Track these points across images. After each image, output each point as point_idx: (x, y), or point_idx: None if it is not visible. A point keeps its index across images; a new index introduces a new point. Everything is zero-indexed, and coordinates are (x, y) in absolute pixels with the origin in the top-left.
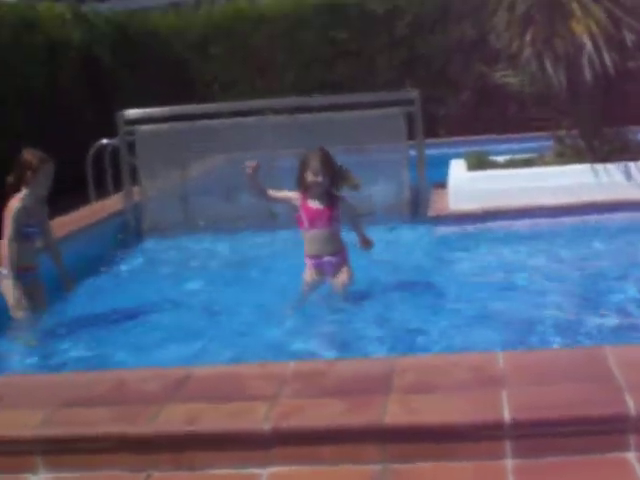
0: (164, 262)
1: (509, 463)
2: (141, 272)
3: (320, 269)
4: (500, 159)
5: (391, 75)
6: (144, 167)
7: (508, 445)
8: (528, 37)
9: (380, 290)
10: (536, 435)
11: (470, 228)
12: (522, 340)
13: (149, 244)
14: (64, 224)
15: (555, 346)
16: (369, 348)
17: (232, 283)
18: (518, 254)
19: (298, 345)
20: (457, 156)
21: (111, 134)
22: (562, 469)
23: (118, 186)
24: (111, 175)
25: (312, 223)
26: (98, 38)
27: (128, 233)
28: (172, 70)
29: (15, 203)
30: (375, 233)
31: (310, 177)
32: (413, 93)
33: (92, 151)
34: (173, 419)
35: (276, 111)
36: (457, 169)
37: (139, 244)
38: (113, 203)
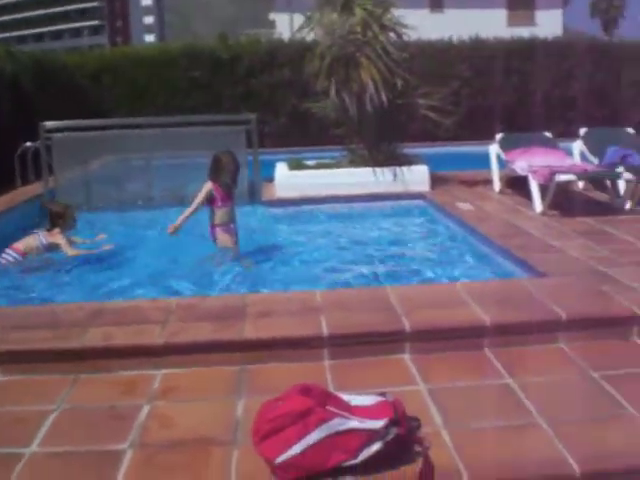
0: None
1: (327, 363)
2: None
3: (230, 234)
4: (310, 163)
5: (232, 104)
6: (57, 163)
7: (326, 351)
8: (332, 79)
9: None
10: (344, 344)
11: (290, 209)
12: (330, 282)
13: None
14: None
15: (353, 287)
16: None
17: (124, 242)
18: (323, 226)
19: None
20: (278, 161)
21: (32, 139)
22: (362, 366)
23: (38, 177)
24: (32, 169)
25: (224, 201)
26: (23, 70)
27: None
28: (74, 94)
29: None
30: None
31: (225, 172)
32: (251, 116)
33: (19, 151)
34: (93, 337)
35: (151, 126)
36: (281, 169)
37: None
38: (34, 189)
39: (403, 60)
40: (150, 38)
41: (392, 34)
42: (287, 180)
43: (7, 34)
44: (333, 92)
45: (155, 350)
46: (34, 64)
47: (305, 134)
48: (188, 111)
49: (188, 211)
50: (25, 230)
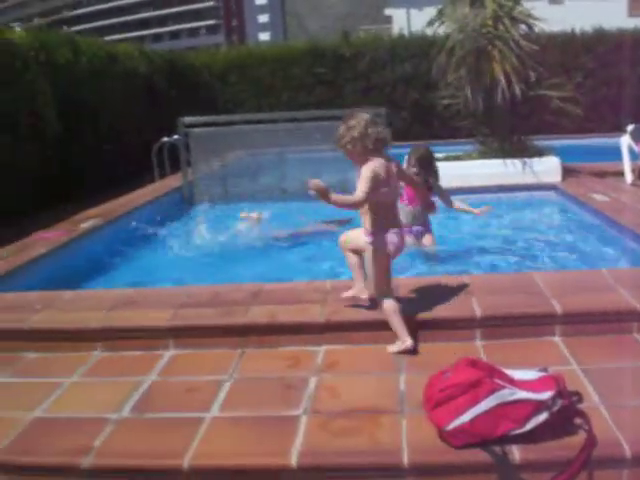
0: (211, 221)
1: (479, 343)
2: (196, 227)
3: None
4: (439, 155)
5: (354, 98)
6: (195, 156)
7: (478, 332)
8: (462, 72)
9: None
10: (496, 325)
11: None
12: (473, 268)
13: (199, 209)
14: (141, 195)
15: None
16: None
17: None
18: (454, 216)
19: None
20: (401, 155)
21: (165, 134)
22: (514, 347)
23: (173, 170)
24: (168, 163)
25: (409, 201)
26: (155, 69)
27: (184, 201)
28: (202, 91)
29: None
30: None
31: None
32: (382, 110)
33: (156, 146)
34: (257, 314)
35: (277, 120)
36: None
37: (192, 209)
38: (172, 182)
39: (534, 52)
40: (265, 36)
41: (523, 26)
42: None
43: (127, 34)
44: (461, 84)
45: (317, 327)
46: (166, 63)
47: (427, 128)
48: (312, 106)
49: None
50: (168, 217)
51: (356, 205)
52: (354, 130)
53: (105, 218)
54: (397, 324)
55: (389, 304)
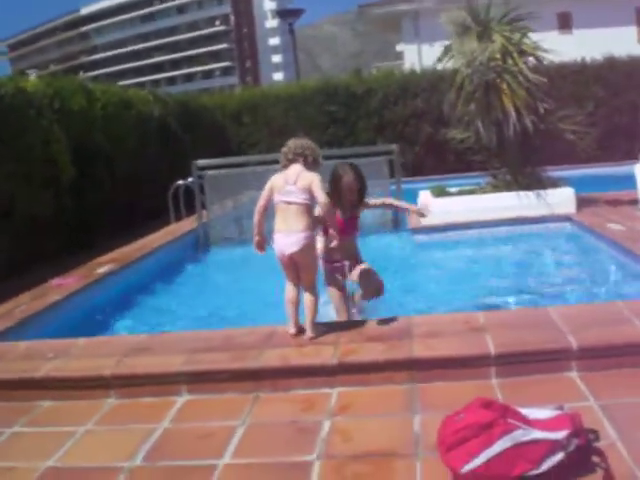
0: (225, 263)
1: (494, 381)
2: (209, 269)
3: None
4: (453, 189)
5: (367, 136)
6: (210, 199)
7: (493, 370)
8: (472, 107)
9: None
10: (511, 363)
11: (436, 236)
12: (486, 304)
13: (214, 251)
14: (155, 239)
15: (512, 308)
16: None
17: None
18: (468, 251)
19: None
20: (414, 190)
21: (180, 177)
22: (530, 384)
23: (188, 212)
24: (184, 205)
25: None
26: (169, 112)
27: (199, 244)
28: (216, 133)
29: None
30: (371, 241)
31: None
32: (393, 146)
33: (172, 189)
34: (270, 358)
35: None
36: (425, 196)
37: (207, 251)
38: (187, 224)
39: (543, 84)
40: (279, 76)
41: (531, 58)
42: (432, 207)
43: (142, 78)
44: (471, 118)
45: (329, 369)
46: (179, 106)
47: (441, 162)
48: (325, 145)
49: None
50: (183, 260)
51: (256, 214)
52: (284, 148)
53: (120, 263)
54: (287, 311)
55: (285, 293)
